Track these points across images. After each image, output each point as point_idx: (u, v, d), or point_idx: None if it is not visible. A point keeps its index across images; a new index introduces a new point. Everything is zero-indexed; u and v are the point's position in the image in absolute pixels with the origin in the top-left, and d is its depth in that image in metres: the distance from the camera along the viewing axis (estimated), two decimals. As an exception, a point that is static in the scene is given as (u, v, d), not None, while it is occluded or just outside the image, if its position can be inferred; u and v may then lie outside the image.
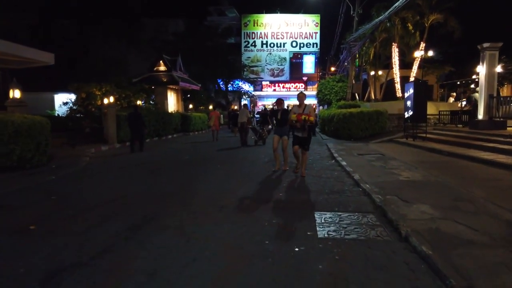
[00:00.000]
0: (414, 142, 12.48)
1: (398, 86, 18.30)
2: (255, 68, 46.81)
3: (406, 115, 13.27)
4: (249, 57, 46.76)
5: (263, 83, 46.60)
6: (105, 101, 14.12)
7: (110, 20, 26.82)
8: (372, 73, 23.12)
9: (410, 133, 13.17)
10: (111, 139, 13.36)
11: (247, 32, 46.83)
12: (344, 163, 8.66)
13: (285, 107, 10.57)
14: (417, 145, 11.77)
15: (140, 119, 11.75)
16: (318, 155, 10.93)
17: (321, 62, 45.09)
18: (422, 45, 17.89)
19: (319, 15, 46.36)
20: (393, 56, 18.19)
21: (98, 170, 8.69)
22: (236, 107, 38.97)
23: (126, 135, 13.94)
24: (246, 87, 40.80)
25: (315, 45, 46.36)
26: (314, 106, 37.60)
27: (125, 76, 21.00)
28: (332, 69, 35.41)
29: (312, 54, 45.91)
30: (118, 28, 27.44)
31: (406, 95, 13.22)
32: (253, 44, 46.89)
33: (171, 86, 21.76)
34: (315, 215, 4.57)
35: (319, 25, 46.42)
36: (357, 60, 23.31)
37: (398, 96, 18.22)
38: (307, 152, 7.36)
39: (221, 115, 23.07)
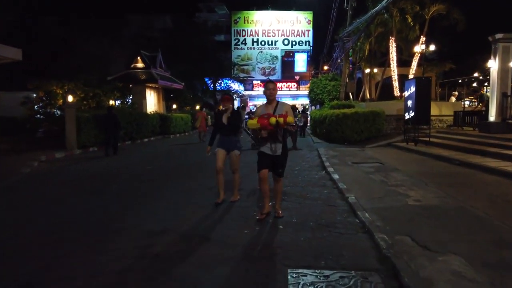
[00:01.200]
0: (416, 147, 10.95)
1: (396, 84, 16.81)
2: (245, 67, 45.18)
3: (407, 116, 11.73)
4: (240, 56, 45.10)
5: (254, 82, 44.96)
6: (70, 99, 12.38)
7: (93, 16, 25.00)
8: (367, 70, 21.62)
9: (411, 136, 11.64)
10: (70, 144, 11.60)
11: (237, 30, 45.15)
12: (336, 176, 7.06)
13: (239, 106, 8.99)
14: (421, 151, 10.22)
15: (115, 121, 11.20)
16: (306, 164, 9.32)
17: (314, 61, 43.57)
18: (422, 39, 16.40)
19: (311, 12, 44.91)
20: (390, 51, 16.72)
21: (26, 186, 6.97)
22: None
23: (88, 139, 12.21)
24: (236, 86, 39.11)
25: (307, 43, 44.85)
26: (300, 106, 36.16)
27: (105, 73, 19.18)
28: (325, 68, 33.90)
29: (304, 52, 44.39)
30: (101, 25, 25.62)
31: (406, 94, 11.68)
32: (244, 42, 45.23)
33: (150, 85, 20.03)
34: (289, 277, 2.93)
35: (311, 23, 44.92)
36: (351, 57, 21.81)
37: (395, 95, 16.76)
38: (281, 179, 4.64)
39: (209, 116, 21.47)
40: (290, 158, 8.17)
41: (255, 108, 28.86)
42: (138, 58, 19.63)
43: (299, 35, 45.09)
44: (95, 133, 12.49)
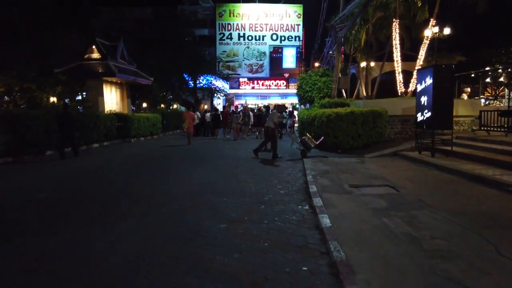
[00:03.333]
0: (434, 159, 8.15)
1: (400, 78, 13.95)
2: (231, 64, 42.25)
3: (420, 117, 8.91)
4: (225, 51, 42.13)
5: (241, 80, 42.05)
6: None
7: (57, 6, 21.69)
8: (363, 64, 18.84)
9: (425, 144, 8.84)
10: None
11: (222, 23, 42.14)
12: (326, 220, 4.16)
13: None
14: (442, 166, 7.41)
15: (72, 120, 10.58)
16: (283, 186, 6.41)
17: (304, 58, 40.76)
18: (432, 22, 13.54)
19: (301, 5, 42.16)
20: (393, 37, 13.82)
21: None
22: (206, 107, 34.26)
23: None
24: (220, 84, 36.05)
25: (297, 38, 42.06)
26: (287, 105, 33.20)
27: (51, 65, 16.00)
28: (316, 65, 31.07)
29: (293, 47, 41.55)
30: (67, 15, 22.36)
31: (420, 87, 8.86)
32: (229, 36, 42.24)
33: (108, 79, 16.90)
34: None
35: (301, 17, 42.15)
36: (343, 47, 18.89)
37: (400, 91, 13.96)
38: None
39: (195, 116, 18.60)
40: (262, 176, 6.83)
41: (242, 107, 26.08)
42: (93, 47, 16.47)
43: (288, 29, 42.28)
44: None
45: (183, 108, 34.67)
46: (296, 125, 25.63)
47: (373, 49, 19.44)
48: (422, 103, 8.72)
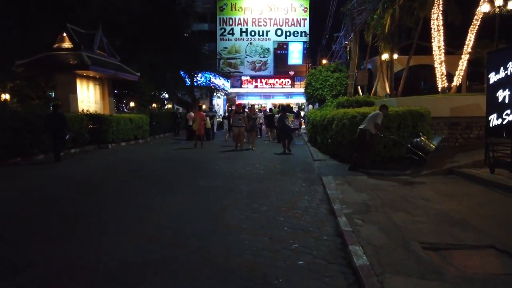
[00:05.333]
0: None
1: (442, 69, 11.01)
2: (233, 61, 39.55)
3: (495, 120, 6.14)
4: (226, 48, 39.46)
5: (243, 78, 39.34)
6: None
7: None
8: (385, 56, 16.01)
9: (501, 159, 6.07)
10: None
11: (223, 18, 39.47)
12: None
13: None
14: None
15: (62, 121, 9.76)
16: (303, 246, 3.63)
17: (310, 56, 37.91)
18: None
19: (308, -2, 39.38)
20: (434, 16, 10.70)
21: None
22: (204, 106, 31.50)
23: None
24: (220, 82, 33.26)
25: (303, 33, 39.27)
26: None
27: (12, 56, 13.43)
28: (324, 62, 28.28)
29: (300, 42, 38.75)
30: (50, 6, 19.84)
31: (494, 78, 6.10)
32: (231, 32, 39.57)
33: (83, 73, 14.27)
34: None
35: (308, 10, 39.35)
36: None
37: (441, 87, 11.07)
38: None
39: (207, 117, 16.21)
40: (264, 213, 4.83)
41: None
42: (64, 35, 13.81)
43: (294, 24, 39.49)
44: None
45: (180, 108, 32.04)
46: (303, 126, 22.96)
47: (394, 38, 16.60)
48: (501, 100, 5.93)
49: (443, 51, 10.86)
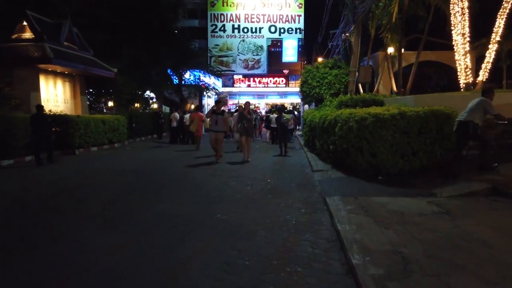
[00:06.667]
0: None
1: (467, 62, 9.09)
2: (224, 59, 37.81)
3: None
4: (217, 45, 37.71)
5: (235, 77, 37.61)
6: None
7: None
8: (390, 50, 14.38)
9: None
10: None
11: (214, 14, 37.73)
12: None
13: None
14: None
15: (46, 122, 9.51)
16: None
17: (306, 54, 36.23)
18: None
19: (303, -6, 37.80)
20: None
21: None
22: (193, 107, 29.68)
23: None
24: (210, 80, 31.40)
25: (298, 30, 37.71)
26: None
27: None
28: (320, 60, 26.63)
29: (294, 38, 37.09)
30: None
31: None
32: (222, 28, 37.83)
33: (48, 67, 12.47)
34: None
35: (303, 6, 37.77)
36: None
37: (465, 82, 9.34)
38: None
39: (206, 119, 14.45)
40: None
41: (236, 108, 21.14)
42: (24, 23, 12.00)
43: (288, 21, 37.89)
44: None
45: (167, 109, 30.14)
46: (299, 127, 21.34)
47: (397, 32, 15.00)
48: None
49: (468, 39, 9.19)
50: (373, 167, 6.75)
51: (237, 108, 15.85)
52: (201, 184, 6.65)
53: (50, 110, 11.77)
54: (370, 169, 6.77)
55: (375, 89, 15.56)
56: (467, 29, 9.13)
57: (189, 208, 4.99)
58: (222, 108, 9.76)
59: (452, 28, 9.49)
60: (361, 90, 15.75)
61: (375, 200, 5.12)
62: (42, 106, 9.93)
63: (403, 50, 13.87)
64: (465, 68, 9.27)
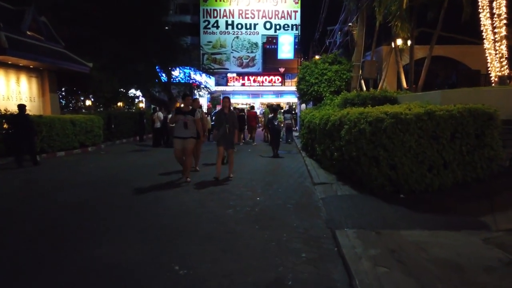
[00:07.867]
0: None
1: (502, 49, 7.41)
2: (217, 56, 36.15)
3: None
4: (210, 42, 36.07)
5: (229, 75, 35.99)
6: None
7: None
8: (399, 42, 12.86)
9: None
10: None
11: (207, 9, 36.07)
12: None
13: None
14: None
15: (28, 122, 9.11)
16: None
17: (302, 51, 34.71)
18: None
19: (299, -11, 36.25)
20: None
21: None
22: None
23: None
24: (202, 78, 29.71)
25: (294, 27, 36.15)
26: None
27: None
28: (317, 57, 25.10)
29: (291, 34, 35.54)
30: None
31: None
32: (215, 24, 36.17)
33: (6, 60, 10.80)
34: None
35: (299, 2, 36.22)
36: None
37: (500, 75, 7.79)
38: None
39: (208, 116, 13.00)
40: None
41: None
42: (-22, 9, 10.35)
43: (284, 17, 36.29)
44: None
45: (157, 108, 28.39)
46: (295, 128, 19.90)
47: (415, 16, 13.38)
48: None
49: (504, 21, 7.59)
50: (392, 182, 5.23)
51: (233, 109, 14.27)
52: (167, 207, 5.05)
53: (6, 109, 10.09)
54: (387, 185, 5.25)
55: (380, 86, 14.08)
56: (503, 9, 7.58)
57: (138, 252, 3.39)
58: (191, 106, 7.01)
59: (480, 10, 7.97)
60: (364, 87, 14.23)
61: (407, 236, 3.57)
62: (25, 106, 9.49)
63: (409, 42, 12.33)
64: (500, 57, 7.69)
